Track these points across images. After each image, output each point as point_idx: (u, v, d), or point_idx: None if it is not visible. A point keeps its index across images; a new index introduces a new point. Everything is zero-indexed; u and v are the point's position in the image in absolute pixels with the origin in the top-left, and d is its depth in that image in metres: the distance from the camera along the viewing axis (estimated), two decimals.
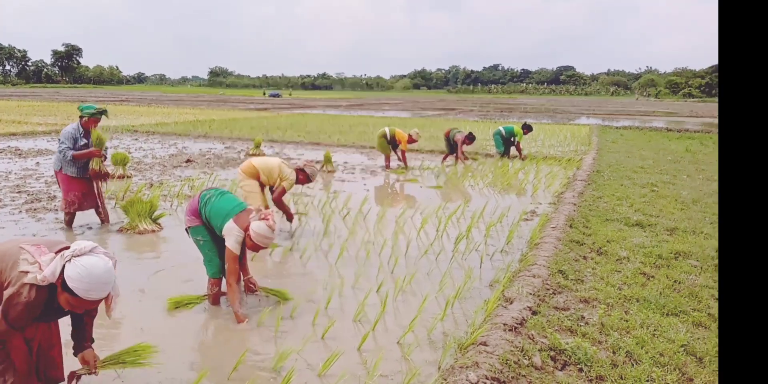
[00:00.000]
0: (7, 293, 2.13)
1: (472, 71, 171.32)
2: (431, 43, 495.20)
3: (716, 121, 30.93)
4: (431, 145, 13.52)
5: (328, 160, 9.96)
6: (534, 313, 3.59)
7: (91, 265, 2.12)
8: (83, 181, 5.57)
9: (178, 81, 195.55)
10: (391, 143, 10.12)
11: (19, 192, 7.26)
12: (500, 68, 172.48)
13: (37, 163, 9.84)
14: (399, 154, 10.22)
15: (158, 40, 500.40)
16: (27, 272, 2.14)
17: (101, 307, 2.35)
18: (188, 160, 10.57)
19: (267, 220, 3.51)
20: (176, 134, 15.38)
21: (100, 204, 5.74)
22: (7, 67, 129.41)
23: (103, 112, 5.60)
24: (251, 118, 22.32)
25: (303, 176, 5.72)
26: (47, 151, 11.46)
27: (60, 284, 2.13)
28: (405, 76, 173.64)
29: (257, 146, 11.95)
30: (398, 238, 5.49)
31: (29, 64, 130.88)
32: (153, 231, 5.61)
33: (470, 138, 10.52)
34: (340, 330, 3.50)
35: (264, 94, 76.43)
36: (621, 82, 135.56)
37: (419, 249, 5.24)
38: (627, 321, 3.49)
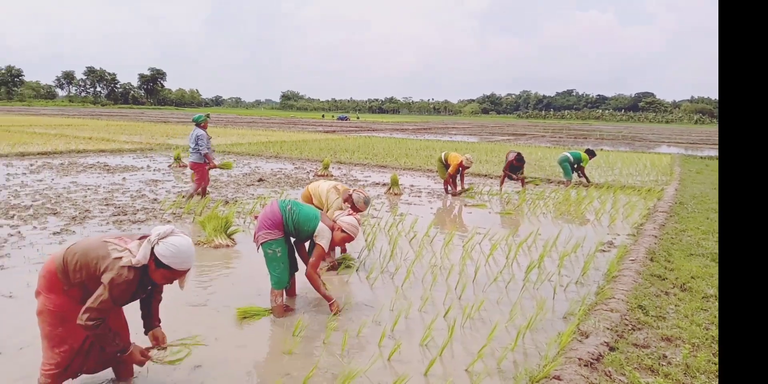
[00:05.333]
0: (107, 277, 2.47)
1: (544, 96, 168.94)
2: (501, 68, 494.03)
3: None
4: (500, 170, 13.36)
5: (395, 182, 10.08)
6: (611, 349, 3.44)
7: (178, 242, 2.55)
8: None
9: (252, 104, 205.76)
10: (446, 166, 10.10)
11: (107, 205, 7.86)
12: (574, 93, 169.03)
13: (124, 178, 10.62)
14: (458, 178, 10.17)
15: (235, 64, 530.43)
16: (120, 258, 2.49)
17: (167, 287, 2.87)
18: (260, 180, 11.04)
19: (353, 214, 4.28)
20: (249, 154, 16.12)
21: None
22: (98, 89, 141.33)
23: (208, 115, 8.82)
24: (320, 140, 23.02)
25: (350, 203, 5.19)
26: (133, 167, 12.36)
27: (153, 263, 2.54)
28: (474, 100, 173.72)
29: (326, 167, 12.30)
30: (466, 264, 5.45)
31: (118, 86, 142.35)
32: (227, 245, 5.89)
33: (518, 159, 10.33)
34: (406, 353, 3.51)
35: (323, 117, 78.73)
36: (706, 110, 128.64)
37: (488, 276, 5.18)
38: (716, 364, 3.27)
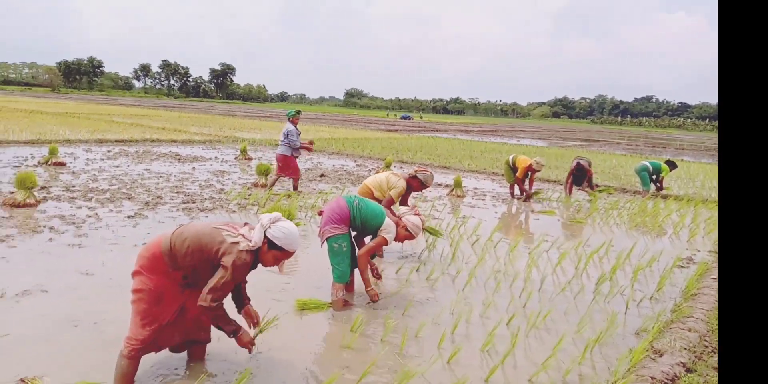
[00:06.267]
0: (228, 260, 2.72)
1: (620, 102, 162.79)
2: (575, 70, 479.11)
3: None
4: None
5: (458, 184, 10.01)
6: (688, 370, 3.29)
7: (288, 226, 2.84)
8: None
9: (316, 100, 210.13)
10: (513, 170, 9.90)
11: (177, 192, 8.27)
12: (654, 100, 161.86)
13: (193, 168, 11.14)
14: (527, 182, 9.95)
15: (302, 61, 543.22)
16: (237, 242, 2.75)
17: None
18: (322, 175, 11.27)
19: (419, 215, 4.59)
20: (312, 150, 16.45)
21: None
22: (172, 82, 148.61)
23: (299, 111, 9.19)
24: (382, 139, 23.20)
25: (416, 183, 5.55)
26: (202, 157, 12.93)
27: (266, 245, 2.80)
28: (544, 103, 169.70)
29: (387, 166, 12.35)
30: (531, 272, 5.35)
31: (190, 80, 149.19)
32: None
33: (578, 169, 9.92)
34: (466, 357, 3.49)
35: (387, 115, 79.86)
36: None
37: (555, 285, 5.05)
38: None
